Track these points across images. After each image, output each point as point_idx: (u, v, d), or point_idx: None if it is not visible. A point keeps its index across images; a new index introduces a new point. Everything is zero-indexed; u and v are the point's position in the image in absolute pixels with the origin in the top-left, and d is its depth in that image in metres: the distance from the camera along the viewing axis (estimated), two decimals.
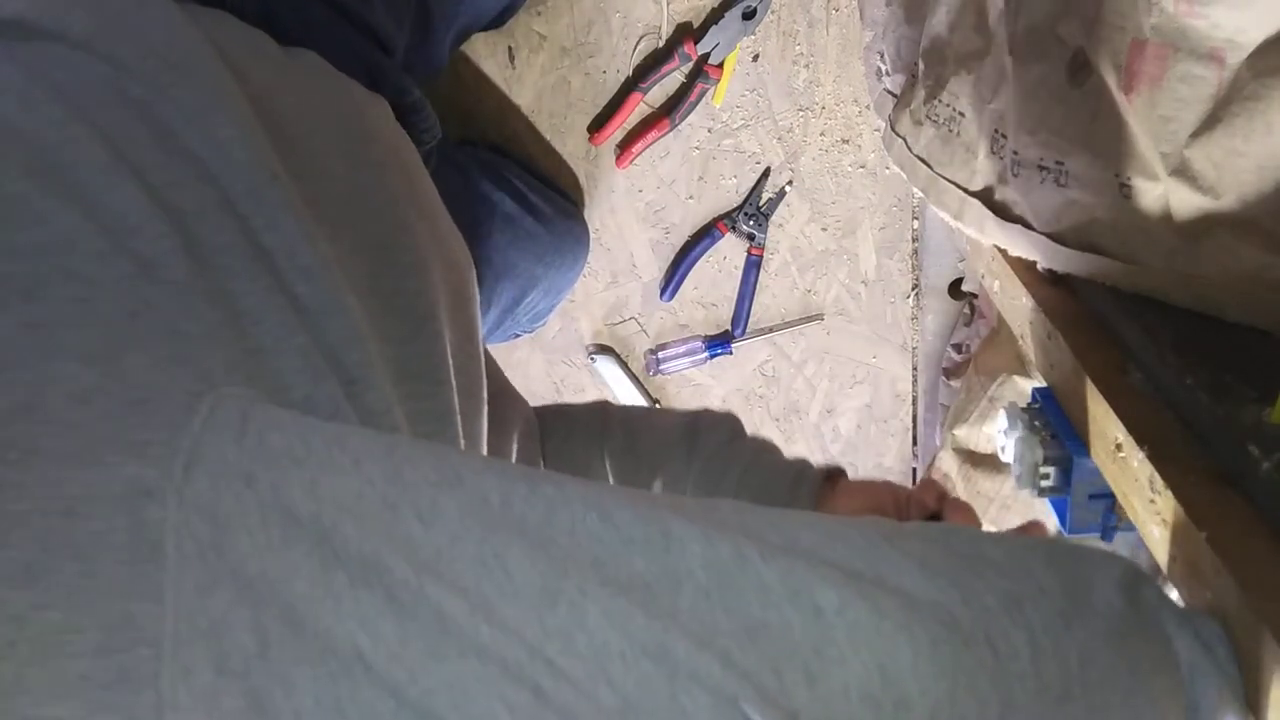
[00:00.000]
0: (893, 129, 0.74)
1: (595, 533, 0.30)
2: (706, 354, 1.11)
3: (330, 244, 0.44)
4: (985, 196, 0.61)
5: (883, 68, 0.82)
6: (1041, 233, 0.56)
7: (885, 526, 0.37)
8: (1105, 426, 0.50)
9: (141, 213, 0.37)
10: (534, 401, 0.79)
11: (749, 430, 0.75)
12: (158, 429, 0.30)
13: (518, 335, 1.02)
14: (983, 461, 0.94)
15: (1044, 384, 0.59)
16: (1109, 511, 0.53)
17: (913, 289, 1.09)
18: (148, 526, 0.28)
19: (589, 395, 1.15)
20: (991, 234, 0.61)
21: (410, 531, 0.28)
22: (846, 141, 1.01)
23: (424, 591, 0.27)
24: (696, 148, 1.01)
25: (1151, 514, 0.45)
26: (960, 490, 0.95)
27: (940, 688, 0.31)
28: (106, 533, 0.28)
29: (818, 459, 0.85)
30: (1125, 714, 0.36)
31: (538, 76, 0.96)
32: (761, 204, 1.03)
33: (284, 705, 0.26)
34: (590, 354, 1.12)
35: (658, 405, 1.14)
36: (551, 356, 1.13)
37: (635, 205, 1.04)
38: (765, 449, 0.73)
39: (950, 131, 0.65)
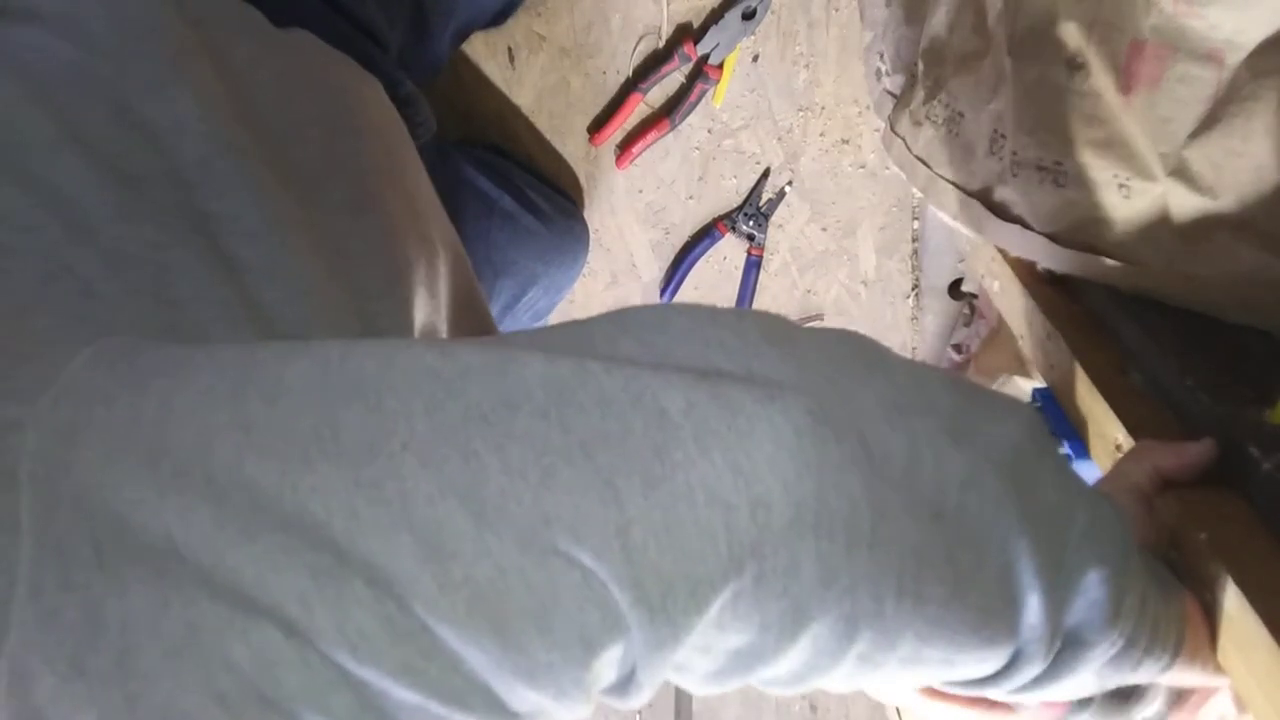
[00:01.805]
0: (892, 129, 0.74)
1: (433, 368, 0.30)
2: None
3: (299, 206, 0.45)
4: (984, 196, 0.61)
5: (882, 68, 0.82)
6: (1041, 233, 0.56)
7: (779, 328, 0.35)
8: (1105, 426, 0.50)
9: (80, 184, 0.38)
10: None
11: None
12: (41, 377, 0.30)
13: None
14: None
15: (1044, 384, 0.59)
16: None
17: (913, 289, 1.09)
18: (6, 457, 0.27)
19: None
20: (991, 234, 0.61)
21: (251, 414, 0.28)
22: (846, 141, 1.01)
23: (242, 471, 0.27)
24: (696, 148, 1.01)
25: None
26: None
27: (806, 485, 0.30)
28: None
29: None
30: (997, 551, 0.34)
31: (538, 77, 0.96)
32: (761, 204, 1.03)
33: (115, 611, 0.26)
34: None
35: None
36: None
37: (635, 205, 1.04)
38: None
39: (950, 132, 0.65)
